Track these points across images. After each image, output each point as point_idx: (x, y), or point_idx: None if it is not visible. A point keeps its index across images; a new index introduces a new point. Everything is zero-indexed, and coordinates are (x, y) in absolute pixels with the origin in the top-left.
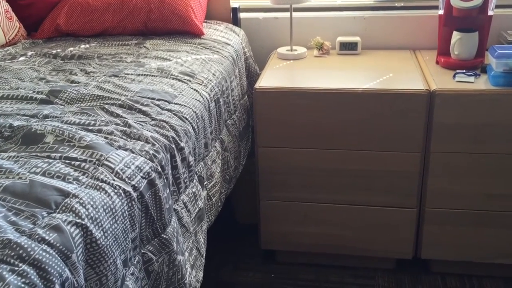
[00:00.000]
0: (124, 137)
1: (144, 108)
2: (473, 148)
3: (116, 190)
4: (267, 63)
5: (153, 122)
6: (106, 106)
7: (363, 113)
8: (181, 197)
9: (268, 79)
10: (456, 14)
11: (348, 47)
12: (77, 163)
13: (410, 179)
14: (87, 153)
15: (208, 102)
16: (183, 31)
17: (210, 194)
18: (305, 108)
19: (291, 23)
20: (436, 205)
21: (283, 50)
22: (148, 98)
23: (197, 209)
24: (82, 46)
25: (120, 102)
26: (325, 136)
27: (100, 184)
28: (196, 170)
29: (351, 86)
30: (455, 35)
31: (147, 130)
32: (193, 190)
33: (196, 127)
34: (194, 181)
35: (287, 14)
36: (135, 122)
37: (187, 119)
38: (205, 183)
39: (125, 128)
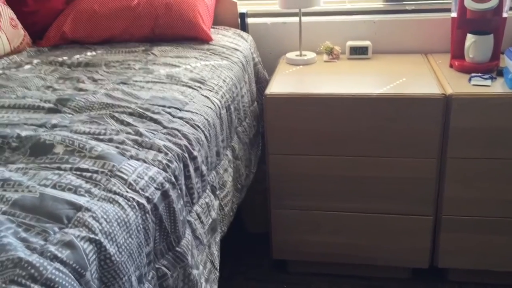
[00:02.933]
0: (136, 147)
1: (155, 116)
2: (491, 153)
3: (130, 203)
4: (276, 68)
5: (165, 130)
6: (116, 115)
7: (377, 119)
8: (195, 208)
9: (278, 85)
10: (470, 16)
11: (359, 52)
12: (89, 174)
13: (426, 186)
14: (99, 163)
15: (220, 109)
16: (191, 37)
17: (222, 204)
18: (316, 114)
19: (300, 27)
20: (453, 213)
21: (292, 55)
22: (159, 105)
23: (211, 220)
24: (89, 53)
25: (130, 110)
26: (337, 143)
27: (113, 196)
28: (209, 179)
29: (363, 91)
30: (470, 38)
31: (159, 139)
32: (206, 200)
33: (208, 135)
34: (207, 191)
35: (296, 19)
36: (147, 131)
37: (199, 126)
38: (217, 192)
39: (136, 137)
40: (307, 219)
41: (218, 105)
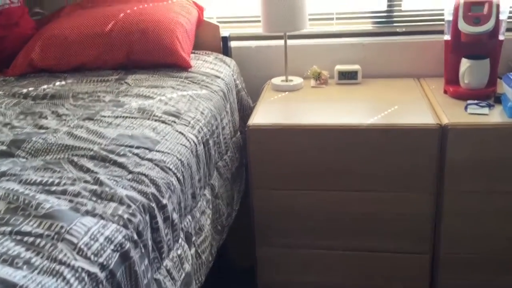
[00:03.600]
0: (94, 199)
1: (120, 159)
2: (490, 187)
3: (77, 274)
4: (260, 95)
5: (130, 176)
6: (75, 159)
7: (367, 151)
8: (164, 263)
9: (262, 115)
10: (465, 39)
11: (348, 76)
12: (31, 239)
13: (422, 221)
14: (45, 224)
15: (196, 146)
16: (169, 64)
17: (199, 251)
18: (303, 146)
19: (285, 52)
20: (451, 250)
21: (278, 80)
22: (126, 146)
23: (184, 274)
24: (57, 83)
25: (92, 153)
26: (326, 176)
27: (57, 267)
28: (182, 226)
29: (353, 121)
30: (465, 63)
31: (122, 187)
32: (179, 252)
33: (181, 177)
34: (180, 240)
35: (281, 42)
36: (108, 178)
37: (170, 169)
38: (193, 239)
39: (95, 187)
40: (295, 257)
41: (194, 142)
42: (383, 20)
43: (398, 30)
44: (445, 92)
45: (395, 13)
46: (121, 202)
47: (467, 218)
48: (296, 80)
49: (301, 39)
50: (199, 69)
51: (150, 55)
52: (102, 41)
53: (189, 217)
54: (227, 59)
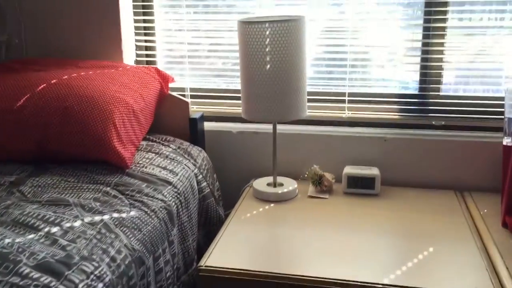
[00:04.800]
0: None
1: None
2: None
3: None
4: (236, 205)
5: None
6: None
7: None
8: None
9: (224, 248)
10: None
11: (361, 184)
12: None
13: None
14: None
15: None
16: (98, 159)
17: None
18: None
19: (274, 145)
20: None
21: (262, 184)
22: None
23: None
24: None
25: None
26: None
27: None
28: None
29: (366, 278)
30: None
31: None
32: None
33: None
34: None
35: (271, 128)
36: None
37: None
38: None
39: None
40: None
41: None
42: (414, 107)
43: (434, 122)
44: (505, 224)
45: (430, 99)
46: None
47: None
48: (288, 185)
49: (298, 125)
50: (143, 168)
51: (69, 146)
52: (8, 120)
53: None
54: (195, 150)
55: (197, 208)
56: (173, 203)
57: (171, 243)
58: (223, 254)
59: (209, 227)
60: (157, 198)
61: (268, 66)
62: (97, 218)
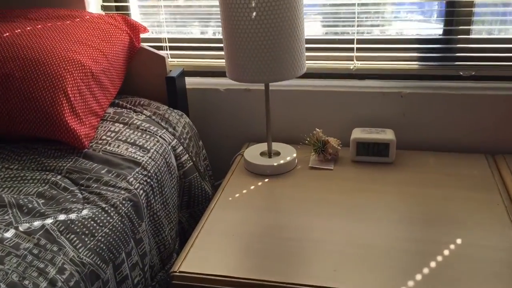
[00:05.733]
0: None
1: None
2: None
3: None
4: (221, 185)
5: None
6: None
7: None
8: None
9: (206, 248)
10: None
11: (373, 151)
12: None
13: None
14: None
15: None
16: (47, 138)
17: None
18: None
19: (267, 108)
20: None
21: (255, 153)
22: None
23: None
24: None
25: None
26: None
27: None
28: None
29: (381, 281)
30: None
31: None
32: None
33: None
34: None
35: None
36: None
37: None
38: None
39: None
40: None
41: None
42: (437, 54)
43: (462, 73)
44: None
45: (458, 44)
46: None
47: None
48: (285, 155)
49: (296, 80)
50: (106, 146)
51: (13, 124)
52: None
53: None
54: (174, 116)
55: (177, 188)
56: (142, 191)
57: (139, 241)
58: (203, 255)
59: (193, 207)
60: (119, 187)
61: (255, 13)
62: (37, 223)
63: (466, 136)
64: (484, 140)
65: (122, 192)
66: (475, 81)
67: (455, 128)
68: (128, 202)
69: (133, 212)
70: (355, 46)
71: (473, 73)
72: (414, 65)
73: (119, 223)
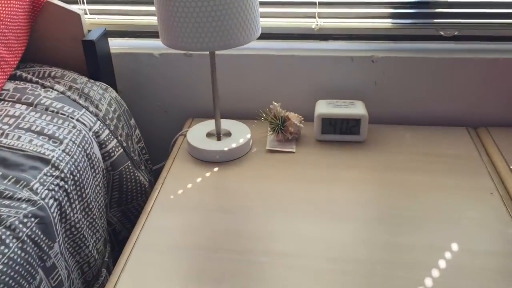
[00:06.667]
0: None
1: None
2: None
3: None
4: (160, 176)
5: None
6: None
7: None
8: None
9: (142, 269)
10: None
11: (341, 128)
12: None
13: None
14: None
15: None
16: None
17: None
18: None
19: (213, 79)
20: None
21: (201, 134)
22: None
23: None
24: None
25: None
26: None
27: None
28: None
29: None
30: None
31: None
32: None
33: None
34: None
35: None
36: None
37: None
38: None
39: None
40: None
41: None
42: (414, 10)
43: (442, 33)
44: None
45: None
46: None
47: None
48: (237, 136)
49: (251, 43)
50: (2, 139)
51: None
52: None
53: None
54: (96, 89)
55: (103, 186)
56: (52, 200)
57: (51, 269)
58: (138, 280)
59: (126, 204)
60: (18, 200)
61: None
62: None
63: (446, 106)
64: (465, 110)
65: (23, 206)
66: (457, 42)
67: (433, 97)
68: (32, 219)
69: (39, 233)
70: (317, 0)
71: (456, 32)
72: (387, 23)
73: (19, 251)
